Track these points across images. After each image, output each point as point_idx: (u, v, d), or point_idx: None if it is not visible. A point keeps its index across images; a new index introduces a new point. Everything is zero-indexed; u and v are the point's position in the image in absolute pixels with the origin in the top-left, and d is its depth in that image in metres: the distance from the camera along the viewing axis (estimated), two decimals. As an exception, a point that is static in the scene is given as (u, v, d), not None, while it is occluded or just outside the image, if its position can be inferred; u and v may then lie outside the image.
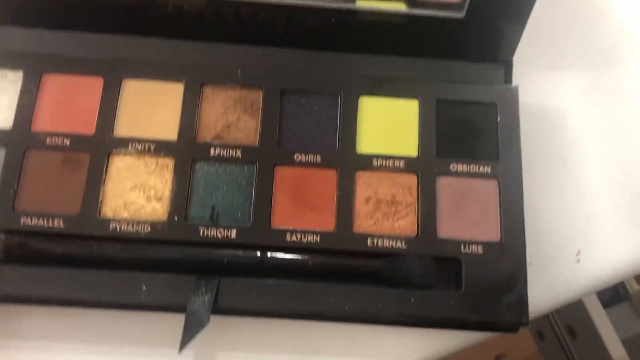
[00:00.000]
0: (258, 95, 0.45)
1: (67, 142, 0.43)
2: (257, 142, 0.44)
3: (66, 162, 0.42)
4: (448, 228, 0.43)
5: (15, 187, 0.41)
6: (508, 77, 0.49)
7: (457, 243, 0.42)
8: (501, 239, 0.43)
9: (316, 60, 0.47)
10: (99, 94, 0.44)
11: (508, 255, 0.42)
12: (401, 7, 0.46)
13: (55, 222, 0.41)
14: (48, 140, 0.42)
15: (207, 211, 0.42)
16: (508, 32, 0.47)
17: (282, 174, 0.43)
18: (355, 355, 0.44)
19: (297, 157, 0.44)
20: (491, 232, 0.43)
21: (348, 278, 0.42)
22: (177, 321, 0.39)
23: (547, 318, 1.09)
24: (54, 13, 0.45)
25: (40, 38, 0.46)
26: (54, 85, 0.44)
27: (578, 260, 0.47)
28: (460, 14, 0.45)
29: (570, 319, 1.05)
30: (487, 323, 0.42)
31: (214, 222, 0.42)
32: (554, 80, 0.52)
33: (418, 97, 0.46)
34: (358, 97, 0.45)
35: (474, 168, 0.44)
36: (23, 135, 0.43)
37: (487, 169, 0.44)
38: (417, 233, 0.43)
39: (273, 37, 0.47)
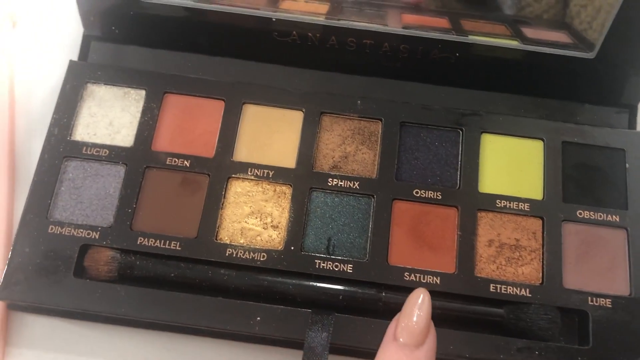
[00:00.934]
0: (377, 127, 0.44)
1: (187, 163, 0.42)
2: (375, 175, 0.43)
3: (185, 183, 0.42)
4: (574, 278, 0.41)
5: (134, 206, 0.41)
6: (632, 122, 0.47)
7: (584, 294, 0.40)
8: (631, 293, 0.40)
9: (437, 94, 0.46)
10: (220, 116, 0.44)
11: (639, 311, 0.40)
12: (514, 43, 0.45)
13: (172, 244, 0.40)
14: (168, 161, 0.42)
15: (323, 242, 0.41)
16: (637, 75, 0.45)
17: (401, 209, 0.42)
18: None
19: (417, 192, 0.42)
20: (620, 285, 0.41)
21: (468, 324, 0.40)
22: (284, 355, 0.38)
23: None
24: (177, 35, 0.46)
25: (162, 58, 0.46)
26: (176, 105, 0.44)
27: None
28: (590, 55, 0.44)
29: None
30: (614, 384, 0.40)
31: (329, 254, 0.41)
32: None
33: (543, 138, 0.44)
34: (480, 133, 0.44)
35: (601, 216, 0.42)
36: (143, 154, 0.42)
37: (615, 218, 0.42)
38: (542, 281, 0.40)
39: (393, 68, 0.46)
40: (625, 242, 0.42)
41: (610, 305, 0.40)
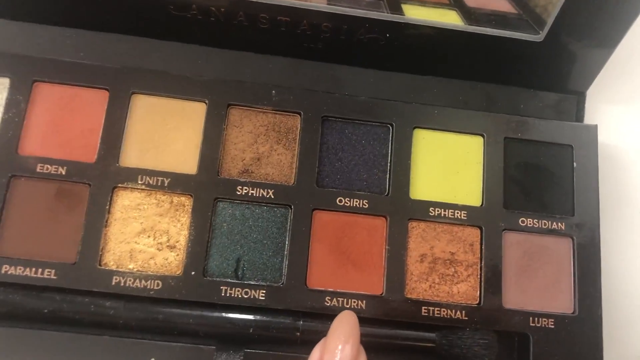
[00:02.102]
0: (295, 122, 0.38)
1: (63, 170, 0.35)
2: (292, 180, 0.37)
3: (60, 195, 0.35)
4: (515, 296, 0.37)
5: (-4, 225, 0.34)
6: (580, 111, 0.42)
7: (525, 315, 0.36)
8: (574, 310, 0.36)
9: (364, 79, 0.40)
10: (103, 111, 0.36)
11: (583, 332, 0.36)
12: (457, 22, 0.39)
13: (46, 272, 0.33)
14: (39, 168, 0.35)
15: (231, 264, 0.35)
16: (589, 60, 0.40)
17: (322, 220, 0.36)
18: None
19: (340, 200, 0.36)
20: (564, 302, 0.37)
21: (397, 351, 0.35)
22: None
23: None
24: (50, 5, 0.37)
25: (31, 36, 0.38)
26: (48, 97, 0.36)
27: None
28: (537, 37, 0.38)
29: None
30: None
31: (239, 278, 0.35)
32: (630, 116, 0.45)
33: (483, 134, 0.39)
34: (412, 129, 0.38)
35: (545, 224, 0.38)
36: (8, 159, 0.35)
37: (560, 226, 0.38)
38: (480, 301, 0.36)
39: (314, 50, 0.39)
40: (570, 252, 0.38)
41: (552, 326, 0.36)
